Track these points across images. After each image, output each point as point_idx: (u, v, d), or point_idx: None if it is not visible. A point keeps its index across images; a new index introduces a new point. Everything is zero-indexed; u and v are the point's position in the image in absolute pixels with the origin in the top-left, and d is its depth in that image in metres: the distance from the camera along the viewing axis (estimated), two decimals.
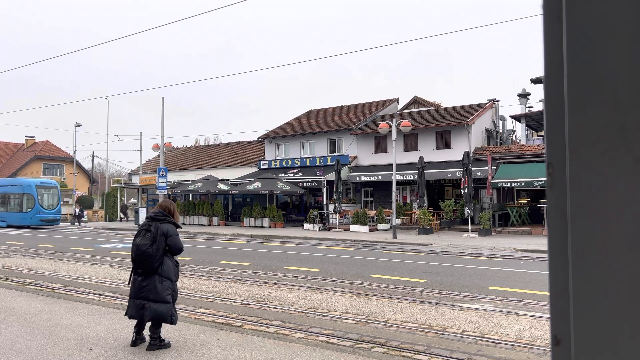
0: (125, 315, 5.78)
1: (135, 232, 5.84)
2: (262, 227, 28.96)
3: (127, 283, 6.10)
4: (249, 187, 29.57)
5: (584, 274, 0.59)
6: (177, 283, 5.86)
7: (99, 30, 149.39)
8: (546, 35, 0.62)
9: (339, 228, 26.08)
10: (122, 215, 40.97)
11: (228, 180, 33.80)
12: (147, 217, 5.93)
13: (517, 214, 25.30)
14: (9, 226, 32.74)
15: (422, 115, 31.94)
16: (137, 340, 5.72)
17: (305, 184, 30.71)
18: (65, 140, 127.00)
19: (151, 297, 5.51)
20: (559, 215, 0.61)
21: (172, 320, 5.62)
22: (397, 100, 37.67)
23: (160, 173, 28.34)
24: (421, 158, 24.42)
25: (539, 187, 24.00)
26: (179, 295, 6.08)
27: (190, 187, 31.74)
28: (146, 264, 5.53)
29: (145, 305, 5.50)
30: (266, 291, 9.46)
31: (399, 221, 25.76)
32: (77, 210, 36.70)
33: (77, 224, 35.60)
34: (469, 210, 22.65)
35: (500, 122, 33.27)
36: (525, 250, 16.47)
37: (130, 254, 5.82)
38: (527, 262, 13.83)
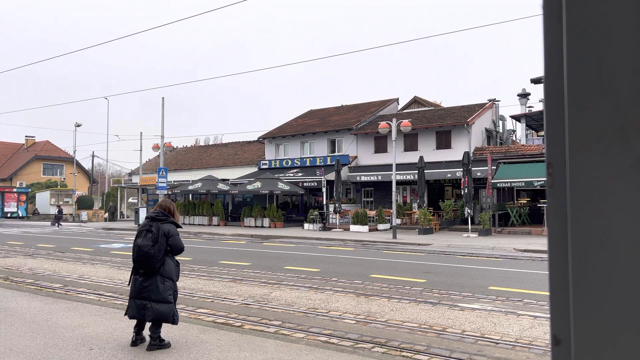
0: (125, 315, 5.77)
1: (136, 233, 5.83)
2: (262, 227, 28.96)
3: (127, 283, 6.10)
4: (249, 187, 29.57)
5: (584, 274, 0.59)
6: (177, 283, 5.86)
7: (100, 28, 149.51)
8: (546, 35, 0.62)
9: (339, 228, 26.08)
10: (107, 215, 40.53)
11: (228, 180, 33.80)
12: (147, 217, 5.91)
13: (517, 214, 25.30)
14: None
15: (422, 115, 31.94)
16: (137, 340, 5.72)
17: (305, 184, 30.71)
18: (65, 140, 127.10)
19: (153, 297, 5.50)
20: (559, 215, 0.61)
21: (174, 320, 5.62)
22: (397, 100, 37.67)
23: (160, 173, 28.35)
24: (421, 158, 24.41)
25: (539, 187, 24.00)
26: (179, 295, 6.08)
27: (190, 187, 31.75)
28: (148, 264, 5.52)
29: (147, 305, 5.49)
30: (266, 291, 9.45)
31: (399, 221, 25.75)
32: (57, 210, 34.67)
33: (56, 225, 33.11)
34: (469, 210, 22.65)
35: (500, 122, 33.27)
36: (525, 250, 16.47)
37: (130, 254, 5.82)
38: (527, 262, 13.82)
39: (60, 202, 46.68)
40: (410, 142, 30.09)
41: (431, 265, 13.06)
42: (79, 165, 51.71)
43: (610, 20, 0.58)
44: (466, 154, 23.15)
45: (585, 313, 0.59)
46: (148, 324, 5.69)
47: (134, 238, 5.80)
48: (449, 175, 27.21)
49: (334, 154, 33.15)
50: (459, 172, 25.29)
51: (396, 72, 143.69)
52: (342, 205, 27.85)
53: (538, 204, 25.28)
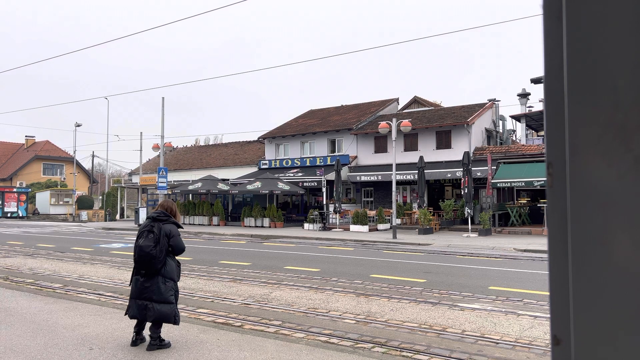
0: (126, 315, 5.77)
1: (136, 233, 5.82)
2: (262, 227, 28.95)
3: (127, 283, 6.09)
4: (249, 187, 29.57)
5: (584, 274, 0.59)
6: (178, 283, 5.86)
7: (100, 28, 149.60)
8: (546, 35, 0.62)
9: (339, 228, 26.08)
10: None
11: (228, 180, 33.79)
12: (148, 218, 5.90)
13: (517, 214, 25.30)
14: None
15: (422, 115, 31.94)
16: (137, 340, 5.72)
17: (305, 184, 30.70)
18: (65, 140, 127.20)
19: (155, 297, 5.50)
20: (559, 215, 0.61)
21: (176, 321, 5.62)
22: (397, 100, 37.67)
23: (160, 173, 28.34)
24: (421, 158, 24.41)
25: (539, 187, 24.00)
26: (179, 295, 6.08)
27: (190, 187, 31.74)
28: (149, 265, 5.51)
29: (148, 305, 5.49)
30: (266, 291, 9.45)
31: (399, 221, 25.74)
32: None
33: None
34: (469, 210, 22.64)
35: (500, 122, 33.26)
36: (525, 250, 16.47)
37: (131, 254, 5.81)
38: (527, 262, 13.82)
39: (61, 202, 46.74)
40: (410, 142, 30.08)
41: (431, 265, 13.06)
42: (79, 165, 51.71)
43: (611, 19, 0.58)
44: (466, 154, 23.14)
45: (585, 313, 0.59)
46: (148, 324, 5.69)
47: (134, 238, 5.80)
48: (449, 175, 27.20)
49: (334, 154, 33.15)
50: (459, 172, 25.28)
51: (396, 72, 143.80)
52: (342, 205, 27.84)
53: (538, 204, 25.28)
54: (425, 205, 24.64)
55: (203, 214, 32.15)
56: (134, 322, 5.79)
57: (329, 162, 32.15)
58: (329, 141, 33.94)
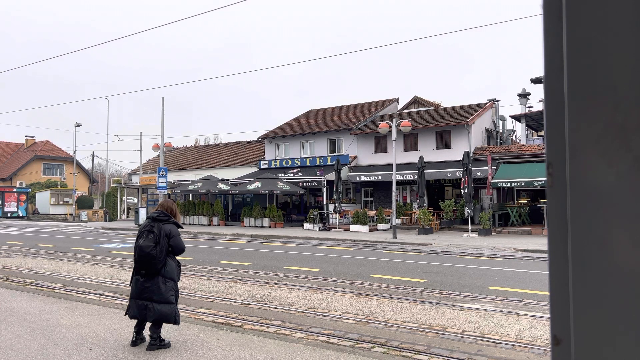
0: (126, 315, 5.77)
1: (136, 233, 5.82)
2: (262, 227, 28.95)
3: (127, 283, 6.09)
4: (249, 187, 29.57)
5: (584, 274, 0.59)
6: (178, 283, 5.86)
7: (100, 28, 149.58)
8: (546, 35, 0.62)
9: (339, 228, 26.08)
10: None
11: (228, 180, 33.79)
12: (148, 218, 5.90)
13: (517, 214, 25.30)
14: None
15: (422, 115, 31.94)
16: (137, 340, 5.72)
17: (305, 184, 30.70)
18: (65, 140, 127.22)
19: (155, 297, 5.50)
20: (559, 215, 0.61)
21: (176, 321, 5.62)
22: (397, 100, 37.67)
23: (160, 173, 28.35)
24: (421, 158, 24.41)
25: (539, 187, 24.00)
26: (179, 295, 6.08)
27: (190, 187, 31.74)
28: (150, 265, 5.51)
29: (148, 305, 5.49)
30: (266, 291, 9.45)
31: (399, 221, 25.75)
32: None
33: None
34: (469, 210, 22.64)
35: (500, 122, 33.26)
36: (525, 250, 16.47)
37: (131, 254, 5.81)
38: (527, 262, 13.82)
39: (61, 202, 46.75)
40: (410, 142, 30.09)
41: (431, 265, 13.06)
42: (79, 165, 51.72)
43: (611, 19, 0.58)
44: (466, 153, 23.14)
45: (585, 313, 0.59)
46: (148, 324, 5.69)
47: (134, 238, 5.81)
48: (449, 175, 27.20)
49: (334, 153, 33.15)
50: (459, 172, 25.29)
51: (396, 72, 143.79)
52: (342, 205, 27.84)
53: (538, 204, 25.28)
54: (425, 205, 24.64)
55: (203, 214, 32.15)
56: (134, 322, 5.79)
57: (329, 162, 32.15)
58: (329, 141, 33.94)
